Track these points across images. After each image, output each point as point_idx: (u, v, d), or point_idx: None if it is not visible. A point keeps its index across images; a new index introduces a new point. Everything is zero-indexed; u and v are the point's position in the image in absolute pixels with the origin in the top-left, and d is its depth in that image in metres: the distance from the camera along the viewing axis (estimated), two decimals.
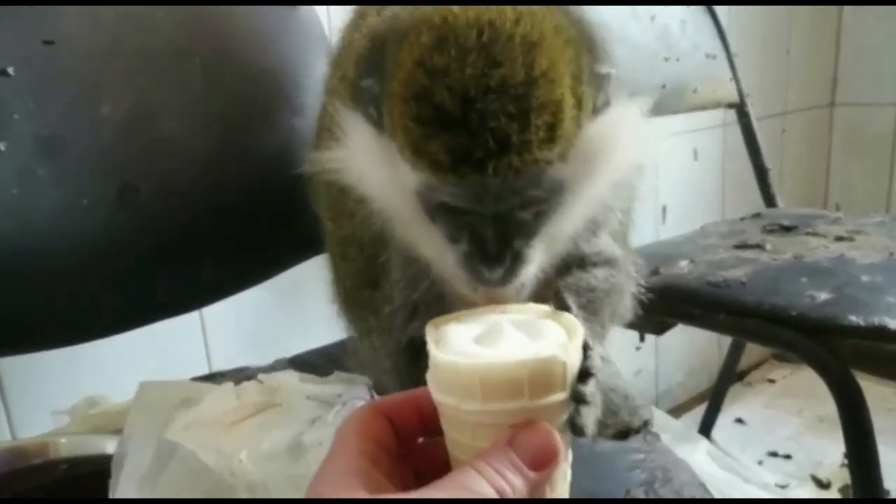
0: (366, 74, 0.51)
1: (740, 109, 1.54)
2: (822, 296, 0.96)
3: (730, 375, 1.86)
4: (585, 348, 0.43)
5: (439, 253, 0.51)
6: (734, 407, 2.04)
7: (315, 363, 0.90)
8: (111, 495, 0.51)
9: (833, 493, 1.69)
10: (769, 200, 1.54)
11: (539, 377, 0.38)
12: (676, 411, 2.06)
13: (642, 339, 1.24)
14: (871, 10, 2.21)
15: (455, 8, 0.47)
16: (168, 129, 0.88)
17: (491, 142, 0.44)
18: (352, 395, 0.67)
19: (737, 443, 1.90)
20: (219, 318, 1.17)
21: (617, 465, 0.69)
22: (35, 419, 0.93)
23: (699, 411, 1.98)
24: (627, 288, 0.67)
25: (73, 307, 0.83)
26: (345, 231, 0.68)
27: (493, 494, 0.37)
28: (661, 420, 1.65)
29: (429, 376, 0.41)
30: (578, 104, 0.47)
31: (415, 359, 0.59)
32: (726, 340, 1.96)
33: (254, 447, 0.61)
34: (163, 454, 0.53)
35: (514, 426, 0.39)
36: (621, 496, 0.65)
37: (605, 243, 0.64)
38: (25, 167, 0.77)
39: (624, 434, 0.74)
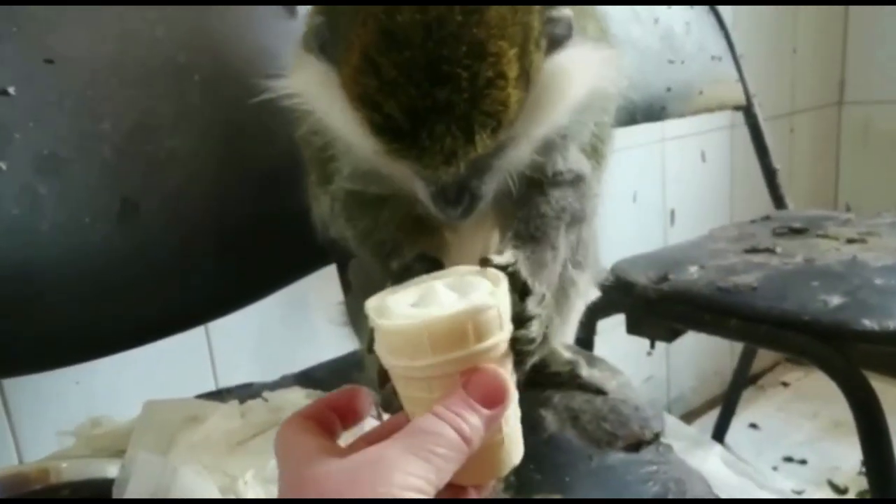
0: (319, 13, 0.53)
1: (747, 111, 1.53)
2: (835, 300, 0.95)
3: (743, 380, 1.84)
4: (524, 293, 0.52)
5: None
6: (747, 411, 2.01)
7: (322, 378, 0.89)
8: None
9: (850, 499, 1.67)
10: (778, 202, 1.52)
11: (477, 323, 0.42)
12: (689, 417, 2.04)
13: (653, 345, 1.22)
14: (878, 7, 2.19)
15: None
16: (168, 145, 0.87)
17: (440, 155, 0.47)
18: None
19: (751, 448, 1.87)
20: (224, 333, 1.16)
21: (629, 478, 0.68)
22: (41, 440, 0.93)
23: (712, 416, 1.96)
24: (586, 206, 0.68)
25: (76, 326, 0.82)
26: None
27: (453, 434, 0.40)
28: (673, 426, 1.63)
29: (377, 347, 0.45)
30: (526, 72, 0.48)
31: None
32: (738, 345, 1.94)
33: (259, 468, 0.60)
34: (167, 477, 0.52)
35: (464, 373, 0.43)
36: None
37: (573, 160, 0.65)
38: (26, 186, 0.76)
39: (635, 446, 0.72)
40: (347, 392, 0.47)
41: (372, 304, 0.45)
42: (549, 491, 0.66)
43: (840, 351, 0.88)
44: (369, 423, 0.50)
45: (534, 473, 0.68)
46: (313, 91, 0.55)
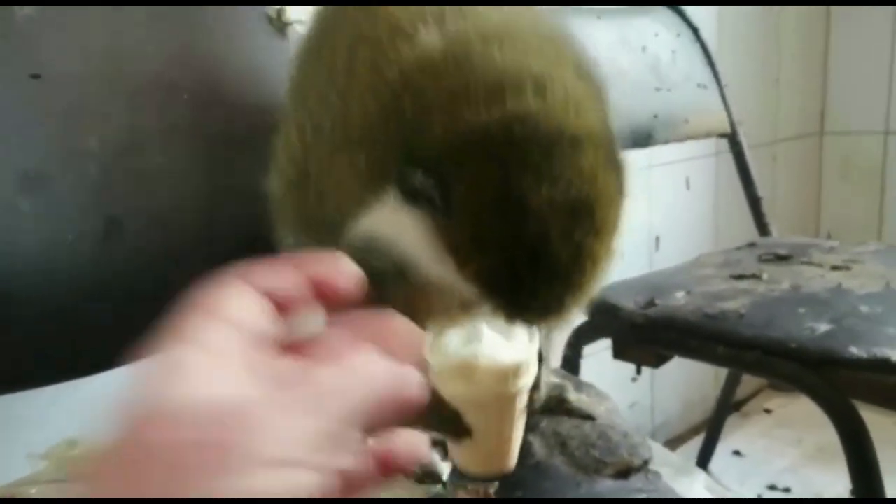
0: (423, 166, 0.50)
1: (732, 139, 1.54)
2: (822, 327, 0.95)
3: (726, 406, 1.84)
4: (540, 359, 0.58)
5: None
6: (731, 438, 2.00)
7: None
8: None
9: None
10: (763, 229, 1.54)
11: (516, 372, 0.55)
12: (673, 443, 2.03)
13: (639, 371, 1.22)
14: (859, 38, 2.23)
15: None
16: (155, 163, 0.86)
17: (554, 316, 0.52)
18: None
19: (735, 475, 1.87)
20: None
21: None
22: (12, 464, 0.90)
23: (696, 443, 1.95)
24: None
25: (57, 345, 0.80)
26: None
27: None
28: (658, 453, 1.61)
29: (436, 376, 0.52)
30: None
31: None
32: (723, 371, 1.94)
33: None
34: None
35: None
36: None
37: None
38: (9, 202, 0.75)
39: (624, 473, 0.71)
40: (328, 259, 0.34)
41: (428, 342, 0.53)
42: None
43: (828, 378, 0.88)
44: None
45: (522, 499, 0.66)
46: (400, 233, 0.54)
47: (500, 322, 0.54)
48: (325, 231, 0.61)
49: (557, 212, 0.47)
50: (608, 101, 0.55)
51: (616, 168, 0.52)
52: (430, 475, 0.68)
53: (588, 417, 0.79)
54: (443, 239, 0.50)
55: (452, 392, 0.54)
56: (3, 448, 0.95)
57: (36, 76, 0.78)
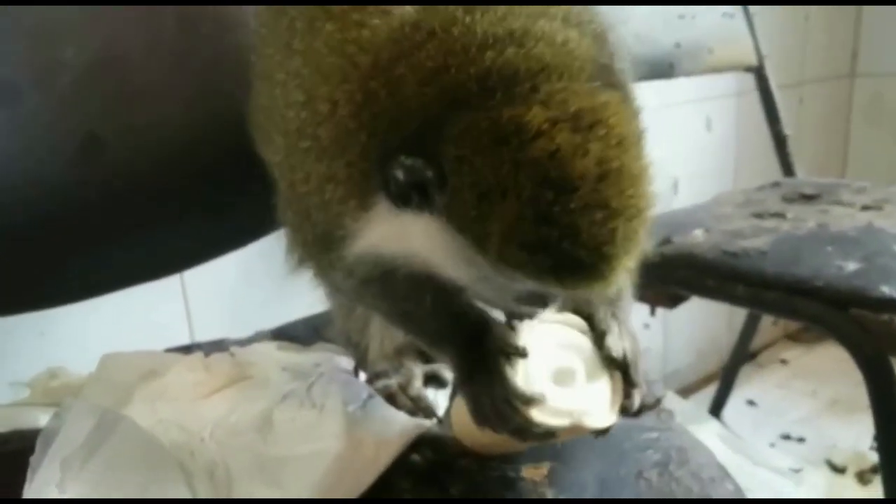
0: (405, 149, 0.44)
1: (758, 73, 1.45)
2: (851, 266, 0.89)
3: (742, 355, 1.79)
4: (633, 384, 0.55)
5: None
6: (745, 388, 1.97)
7: (298, 335, 0.83)
8: (29, 476, 0.43)
9: (849, 478, 1.62)
10: (787, 169, 1.46)
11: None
12: (684, 392, 1.99)
13: (653, 312, 1.16)
14: None
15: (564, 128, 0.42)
16: (138, 79, 0.80)
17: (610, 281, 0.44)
18: (332, 366, 0.59)
19: (748, 425, 1.83)
20: (202, 286, 1.10)
21: (628, 445, 0.62)
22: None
23: (708, 393, 1.91)
24: None
25: (35, 268, 0.76)
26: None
27: None
28: (669, 400, 1.58)
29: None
30: None
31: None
32: (737, 320, 1.89)
33: (219, 423, 0.54)
34: (103, 428, 0.46)
35: None
36: (633, 479, 0.58)
37: None
38: None
39: (636, 411, 0.66)
40: None
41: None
42: (538, 459, 0.60)
43: (856, 319, 0.82)
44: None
45: None
46: (407, 244, 0.49)
47: (591, 358, 0.53)
48: (321, 240, 0.55)
49: (562, 130, 0.41)
50: (614, 44, 0.50)
51: (627, 100, 0.47)
52: (424, 410, 0.64)
53: None
54: (453, 225, 0.44)
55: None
56: None
57: None
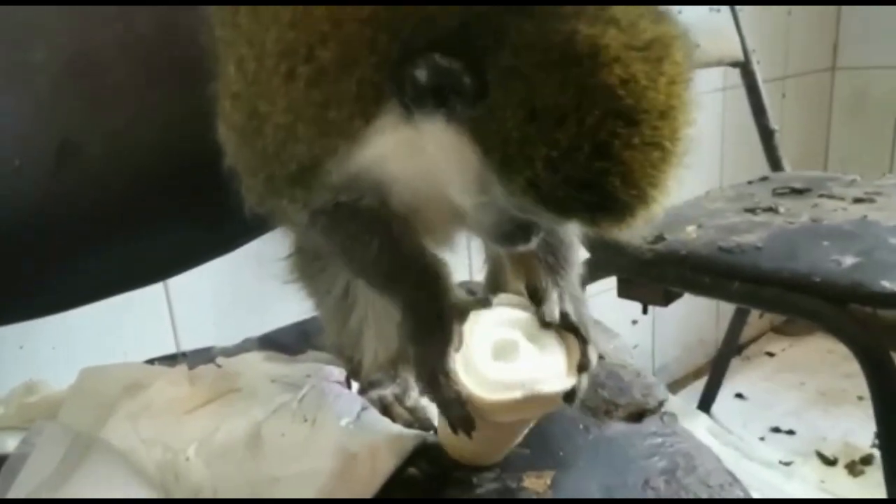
0: (438, 49, 0.40)
1: (745, 68, 1.45)
2: (848, 260, 0.88)
3: (731, 349, 1.79)
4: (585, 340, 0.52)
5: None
6: (733, 382, 1.96)
7: (287, 341, 0.81)
8: None
9: (839, 470, 1.63)
10: (775, 164, 1.45)
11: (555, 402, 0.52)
12: (673, 387, 1.99)
13: (645, 311, 1.15)
14: None
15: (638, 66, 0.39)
16: (114, 80, 0.77)
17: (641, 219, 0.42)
18: (323, 377, 0.57)
19: (737, 419, 1.83)
20: (187, 294, 1.07)
21: (633, 453, 0.60)
22: None
23: (697, 387, 1.91)
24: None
25: (12, 280, 0.72)
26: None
27: None
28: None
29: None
30: None
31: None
32: (724, 314, 1.89)
33: (204, 440, 0.51)
34: (75, 455, 0.42)
35: None
36: (639, 488, 0.56)
37: None
38: None
39: (638, 416, 0.65)
40: None
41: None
42: (541, 467, 0.58)
43: (855, 315, 0.81)
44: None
45: (523, 447, 0.60)
46: (409, 156, 0.45)
47: (533, 327, 0.51)
48: (293, 180, 0.50)
49: (636, 60, 0.39)
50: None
51: (684, 34, 0.44)
52: (421, 421, 0.62)
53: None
54: (477, 142, 0.40)
55: (480, 411, 0.50)
56: None
57: None
